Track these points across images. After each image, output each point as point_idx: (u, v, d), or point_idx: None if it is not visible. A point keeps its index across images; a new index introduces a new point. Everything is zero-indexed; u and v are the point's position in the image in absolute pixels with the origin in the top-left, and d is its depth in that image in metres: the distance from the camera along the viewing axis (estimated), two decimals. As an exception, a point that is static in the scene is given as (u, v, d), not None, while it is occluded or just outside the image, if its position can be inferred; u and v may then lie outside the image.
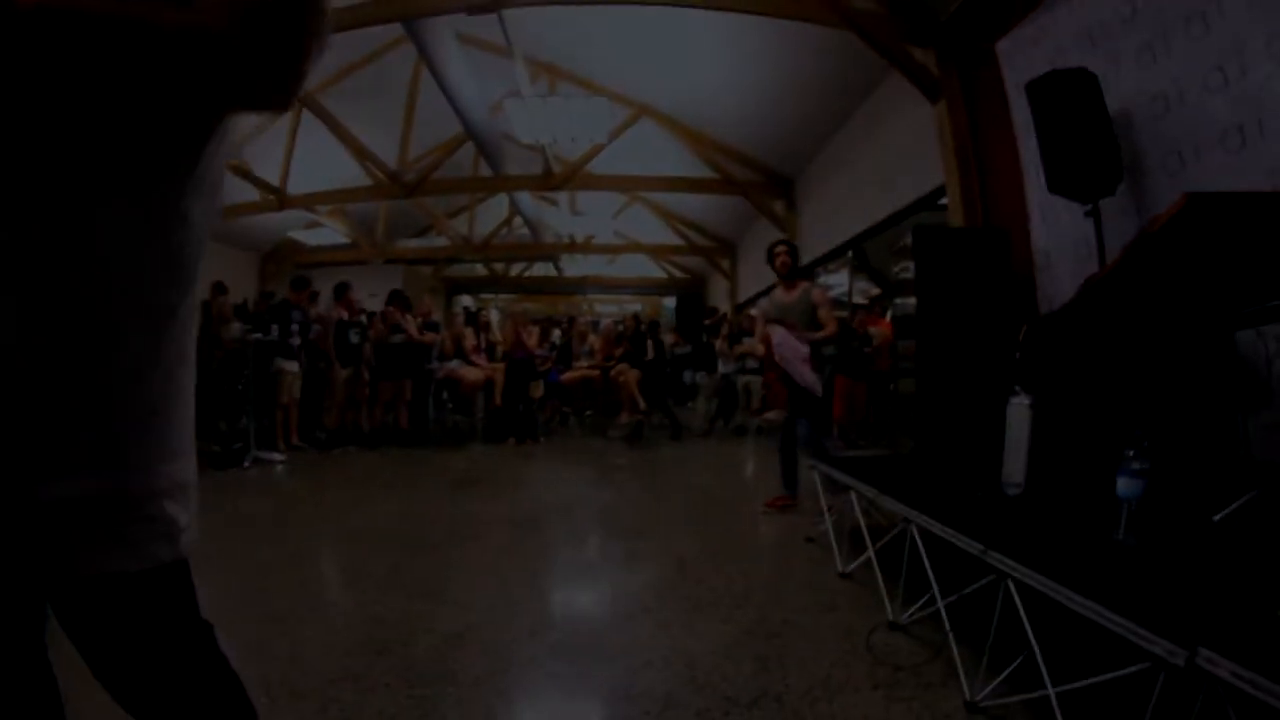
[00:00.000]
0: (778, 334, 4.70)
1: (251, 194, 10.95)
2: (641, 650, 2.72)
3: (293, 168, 10.23)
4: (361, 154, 10.11)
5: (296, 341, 7.53)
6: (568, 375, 9.69)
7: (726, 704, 2.26)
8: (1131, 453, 2.04)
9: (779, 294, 4.92)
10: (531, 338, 9.38)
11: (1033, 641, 1.83)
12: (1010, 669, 2.04)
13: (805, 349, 4.61)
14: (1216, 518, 1.97)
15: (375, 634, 2.82)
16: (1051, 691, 1.75)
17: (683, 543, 4.20)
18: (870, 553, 3.15)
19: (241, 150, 9.77)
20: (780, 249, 4.87)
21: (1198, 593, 1.65)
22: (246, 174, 10.11)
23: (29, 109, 0.90)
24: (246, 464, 6.70)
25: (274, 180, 10.43)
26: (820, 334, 4.67)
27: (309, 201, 11.32)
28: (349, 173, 10.65)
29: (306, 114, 9.38)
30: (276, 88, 0.94)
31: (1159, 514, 2.05)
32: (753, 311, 5.16)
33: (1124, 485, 2.04)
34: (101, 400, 0.98)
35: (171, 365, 1.07)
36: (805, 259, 10.51)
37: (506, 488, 6.22)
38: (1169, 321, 2.42)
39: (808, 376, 4.62)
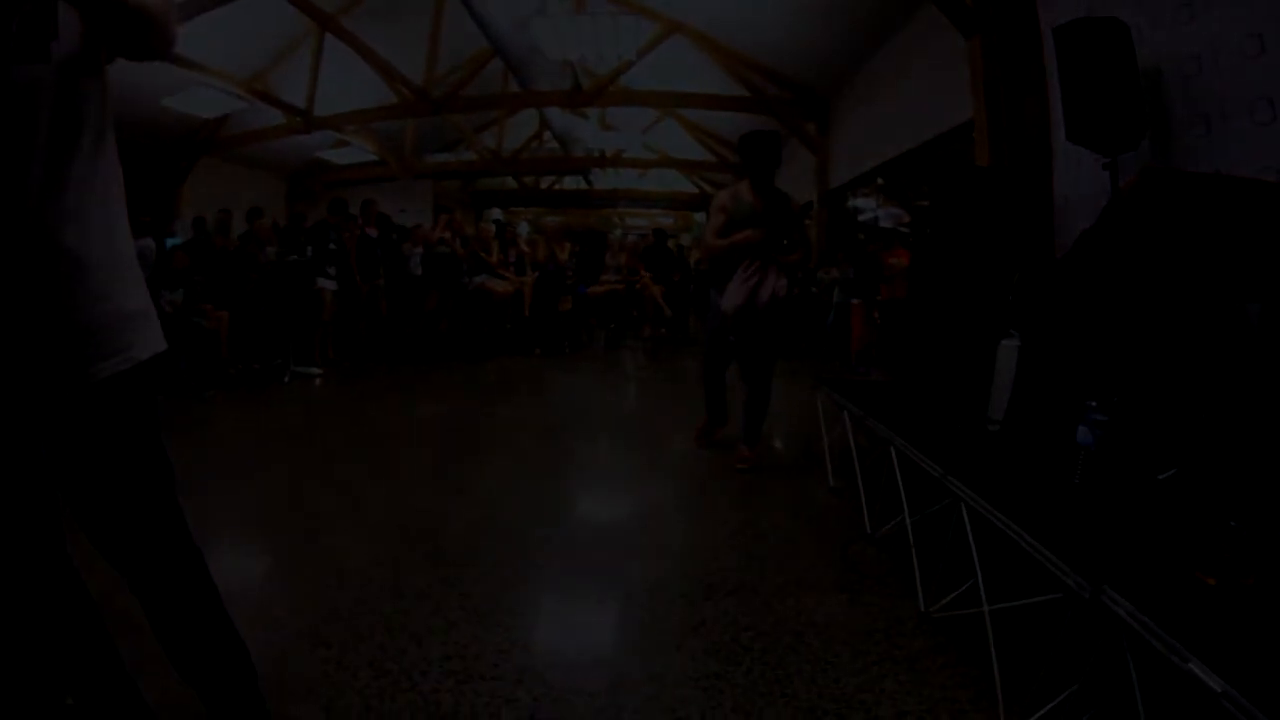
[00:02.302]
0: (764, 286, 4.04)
1: (277, 118, 10.94)
2: (640, 541, 3.14)
3: (319, 89, 10.18)
4: (387, 73, 10.03)
5: (333, 265, 7.75)
6: (594, 288, 9.87)
7: (708, 590, 2.62)
8: (1094, 404, 2.19)
9: (745, 193, 4.08)
10: (564, 251, 9.57)
11: (975, 561, 2.02)
12: (964, 587, 2.27)
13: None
14: (1161, 476, 2.09)
15: (409, 524, 3.25)
16: (986, 609, 1.97)
17: (690, 451, 4.52)
18: (857, 470, 3.35)
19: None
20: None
21: (1123, 540, 1.79)
22: (272, 99, 10.11)
23: None
24: (286, 379, 6.99)
25: (300, 103, 10.41)
26: (793, 257, 4.11)
27: (336, 122, 11.29)
28: (376, 91, 10.59)
29: (330, 35, 9.30)
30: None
31: (1116, 465, 2.18)
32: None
33: (1083, 433, 2.19)
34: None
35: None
36: (835, 183, 10.42)
37: (530, 396, 6.55)
38: (1153, 285, 2.48)
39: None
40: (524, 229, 14.64)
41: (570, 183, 19.60)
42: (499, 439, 4.88)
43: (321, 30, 9.27)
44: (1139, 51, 3.55)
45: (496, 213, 19.70)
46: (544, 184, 19.86)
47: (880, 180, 9.31)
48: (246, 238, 7.87)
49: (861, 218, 10.33)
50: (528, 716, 1.86)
